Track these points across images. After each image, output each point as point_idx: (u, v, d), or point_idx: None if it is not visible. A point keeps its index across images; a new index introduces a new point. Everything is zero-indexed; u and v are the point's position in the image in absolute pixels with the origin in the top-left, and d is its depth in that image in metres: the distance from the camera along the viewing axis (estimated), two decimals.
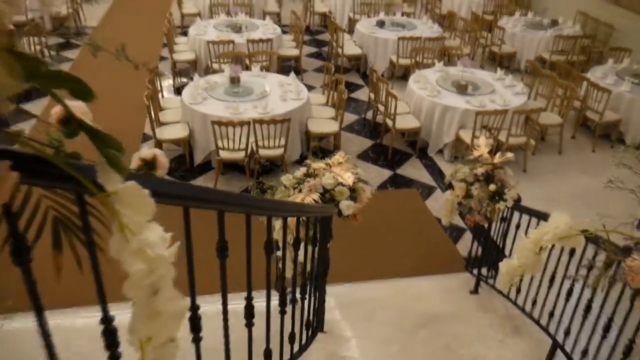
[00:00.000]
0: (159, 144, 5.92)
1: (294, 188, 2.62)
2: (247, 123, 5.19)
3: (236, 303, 1.74)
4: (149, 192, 0.78)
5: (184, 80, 7.83)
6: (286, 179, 2.81)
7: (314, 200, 2.45)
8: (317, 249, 2.40)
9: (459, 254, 4.81)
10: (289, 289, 2.65)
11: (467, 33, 9.14)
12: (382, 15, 9.23)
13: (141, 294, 0.78)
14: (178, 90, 7.32)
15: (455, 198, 4.03)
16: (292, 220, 2.25)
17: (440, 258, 4.79)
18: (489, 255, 4.11)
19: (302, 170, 2.72)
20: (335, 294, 3.54)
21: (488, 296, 4.00)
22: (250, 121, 5.21)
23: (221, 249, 1.47)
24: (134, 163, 1.32)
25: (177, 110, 6.10)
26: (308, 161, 2.75)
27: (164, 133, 5.78)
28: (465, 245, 4.74)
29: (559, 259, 3.00)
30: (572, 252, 2.86)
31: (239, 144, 5.31)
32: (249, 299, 1.76)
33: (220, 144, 5.33)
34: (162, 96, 6.66)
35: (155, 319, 0.80)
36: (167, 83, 7.94)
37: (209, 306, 1.95)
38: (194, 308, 1.36)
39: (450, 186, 4.13)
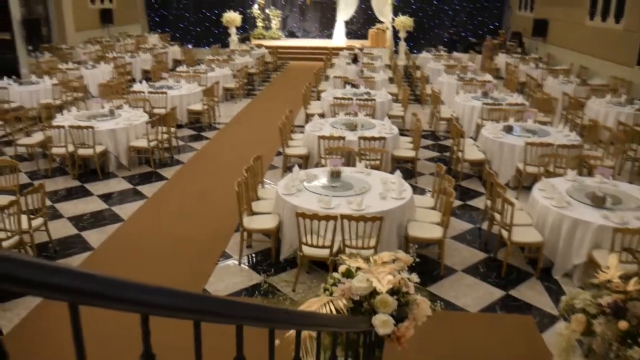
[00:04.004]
0: (248, 233, 5.65)
1: (326, 290, 2.02)
2: (334, 218, 4.71)
3: None
4: None
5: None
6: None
7: (339, 308, 1.83)
8: None
9: None
10: None
11: (613, 144, 8.04)
12: (511, 122, 8.52)
13: None
14: None
15: (571, 334, 3.07)
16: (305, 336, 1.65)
17: None
18: None
19: (342, 268, 2.12)
20: None
21: None
22: (338, 216, 4.72)
23: None
24: None
25: (272, 201, 5.84)
26: (343, 257, 2.14)
27: (253, 223, 5.49)
28: None
29: None
30: None
31: (324, 240, 4.82)
32: None
33: (305, 239, 4.88)
34: (262, 186, 6.48)
35: None
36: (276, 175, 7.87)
37: None
38: None
39: (566, 317, 3.18)
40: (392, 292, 1.99)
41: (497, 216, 5.64)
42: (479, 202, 7.06)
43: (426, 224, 5.54)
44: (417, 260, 5.24)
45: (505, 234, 5.37)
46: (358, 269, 1.99)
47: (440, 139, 10.24)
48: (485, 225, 6.29)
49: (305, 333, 1.74)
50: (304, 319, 1.45)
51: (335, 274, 2.16)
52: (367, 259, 2.06)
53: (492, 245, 5.91)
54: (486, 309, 4.83)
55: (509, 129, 8.07)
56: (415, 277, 2.05)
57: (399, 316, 1.96)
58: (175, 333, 2.32)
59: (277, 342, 1.91)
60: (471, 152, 7.98)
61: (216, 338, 1.90)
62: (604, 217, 5.15)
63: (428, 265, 5.55)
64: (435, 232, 5.37)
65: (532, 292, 5.12)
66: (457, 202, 7.14)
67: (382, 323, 1.84)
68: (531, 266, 5.55)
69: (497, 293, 5.10)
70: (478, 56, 17.75)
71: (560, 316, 3.25)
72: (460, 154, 7.82)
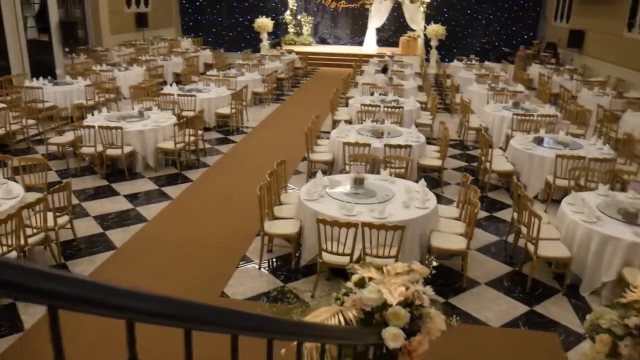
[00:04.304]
0: (269, 238, 5.63)
1: (337, 299, 1.97)
2: (355, 225, 4.65)
3: None
4: None
5: None
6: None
7: (348, 319, 1.77)
8: None
9: None
10: None
11: None
12: (542, 133, 8.32)
13: None
14: None
15: (596, 355, 2.94)
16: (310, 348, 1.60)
17: None
18: None
19: (354, 277, 2.06)
20: None
21: None
22: (359, 224, 4.66)
23: None
24: None
25: (294, 206, 5.81)
26: (355, 266, 2.08)
27: (274, 227, 5.47)
28: None
29: None
30: None
31: (344, 247, 4.76)
32: None
33: (325, 246, 4.83)
34: (285, 191, 6.46)
35: None
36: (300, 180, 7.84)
37: None
38: None
39: (592, 336, 3.05)
40: (405, 304, 1.93)
41: (524, 229, 5.50)
42: (506, 214, 6.90)
43: (450, 235, 5.43)
44: (434, 272, 5.17)
45: (531, 247, 5.22)
46: (370, 279, 1.93)
47: (468, 149, 10.08)
48: (511, 238, 6.13)
49: (311, 344, 1.69)
50: (304, 329, 1.40)
51: (348, 283, 2.10)
52: (380, 269, 2.00)
53: (517, 258, 5.76)
54: (509, 324, 4.70)
55: (539, 141, 7.88)
56: (430, 290, 1.98)
57: (412, 330, 1.90)
58: (167, 341, 2.29)
59: (283, 351, 1.87)
60: (499, 162, 7.81)
61: (211, 348, 1.86)
62: (636, 234, 4.96)
63: (450, 277, 5.43)
64: (459, 243, 5.26)
65: (557, 309, 4.96)
66: (484, 214, 7.00)
67: (392, 336, 1.78)
68: (558, 282, 5.39)
69: (521, 308, 4.95)
70: (510, 66, 17.46)
71: (587, 335, 3.12)
72: (487, 164, 7.67)
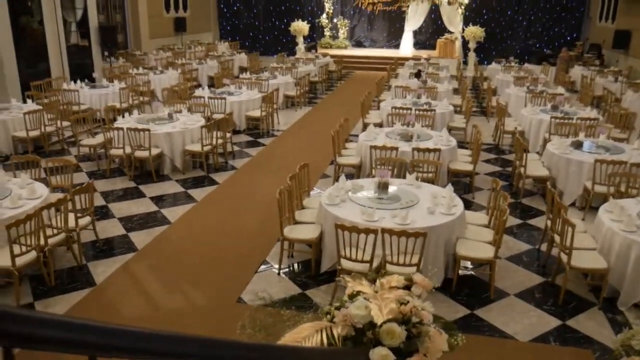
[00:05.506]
0: (289, 243, 5.51)
1: (328, 314, 1.81)
2: (374, 231, 4.47)
3: None
4: None
5: None
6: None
7: (333, 337, 1.61)
8: None
9: None
10: None
11: None
12: (581, 137, 7.93)
13: None
14: None
15: None
16: None
17: None
18: None
19: (348, 290, 1.90)
20: None
21: None
22: (379, 230, 4.48)
23: None
24: None
25: (316, 210, 5.66)
26: (346, 277, 1.91)
27: (294, 232, 5.34)
28: None
29: None
30: None
31: (364, 254, 4.58)
32: None
33: (344, 252, 4.67)
34: (308, 194, 6.32)
35: None
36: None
37: None
38: None
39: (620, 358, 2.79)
40: (402, 321, 1.76)
41: (557, 237, 5.19)
42: (540, 222, 6.57)
43: (477, 243, 5.18)
44: (460, 282, 4.91)
45: (564, 257, 4.92)
46: (359, 292, 1.77)
47: (504, 153, 9.73)
48: (544, 247, 5.82)
49: None
50: (263, 354, 1.25)
51: (344, 296, 1.94)
52: (373, 281, 1.83)
53: (550, 268, 5.45)
54: (538, 339, 4.42)
55: (578, 145, 7.50)
56: (429, 307, 1.79)
57: (407, 350, 1.72)
58: None
59: None
60: (535, 167, 7.47)
61: None
62: None
63: (478, 287, 5.17)
64: (487, 252, 5.00)
65: (593, 324, 4.64)
66: (517, 221, 6.69)
67: (381, 358, 1.61)
68: (593, 294, 5.06)
69: (553, 322, 4.66)
70: (552, 68, 16.85)
71: (616, 356, 2.86)
72: (522, 169, 7.35)
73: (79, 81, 11.82)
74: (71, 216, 5.26)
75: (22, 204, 5.10)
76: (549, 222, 5.66)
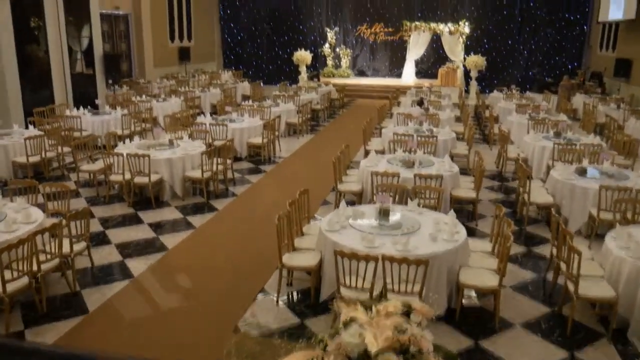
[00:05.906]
0: (288, 270, 5.39)
1: (320, 342, 1.70)
2: (374, 258, 4.35)
3: None
4: None
5: None
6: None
7: None
8: None
9: None
10: None
11: None
12: (585, 163, 7.84)
13: None
14: None
15: None
16: None
17: None
18: None
19: (343, 316, 1.79)
20: None
21: None
22: (379, 257, 4.36)
23: None
24: None
25: (316, 237, 5.55)
26: (339, 302, 1.81)
27: (293, 259, 5.21)
28: None
29: None
30: None
31: (364, 282, 4.45)
32: None
33: (344, 280, 4.54)
34: (308, 221, 6.21)
35: None
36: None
37: None
38: None
39: None
40: (400, 350, 1.64)
41: (563, 266, 5.06)
42: (545, 250, 6.43)
43: (481, 271, 5.05)
44: (464, 311, 4.76)
45: (571, 286, 4.78)
46: (352, 319, 1.66)
47: (507, 180, 9.63)
48: (550, 276, 5.68)
49: None
50: None
51: (339, 324, 1.83)
52: (369, 308, 1.72)
53: (557, 298, 5.29)
54: None
55: (582, 171, 7.40)
56: (429, 335, 1.68)
57: None
58: None
59: None
60: (538, 194, 7.36)
61: None
62: None
63: (482, 317, 5.01)
64: (491, 280, 4.86)
65: (601, 356, 4.48)
66: (521, 249, 6.56)
67: None
68: (602, 325, 4.90)
69: (560, 354, 4.49)
70: (553, 96, 16.88)
71: None
72: (525, 196, 7.24)
73: (81, 108, 11.84)
74: (66, 241, 5.16)
75: (16, 228, 5.00)
76: (554, 250, 5.52)
